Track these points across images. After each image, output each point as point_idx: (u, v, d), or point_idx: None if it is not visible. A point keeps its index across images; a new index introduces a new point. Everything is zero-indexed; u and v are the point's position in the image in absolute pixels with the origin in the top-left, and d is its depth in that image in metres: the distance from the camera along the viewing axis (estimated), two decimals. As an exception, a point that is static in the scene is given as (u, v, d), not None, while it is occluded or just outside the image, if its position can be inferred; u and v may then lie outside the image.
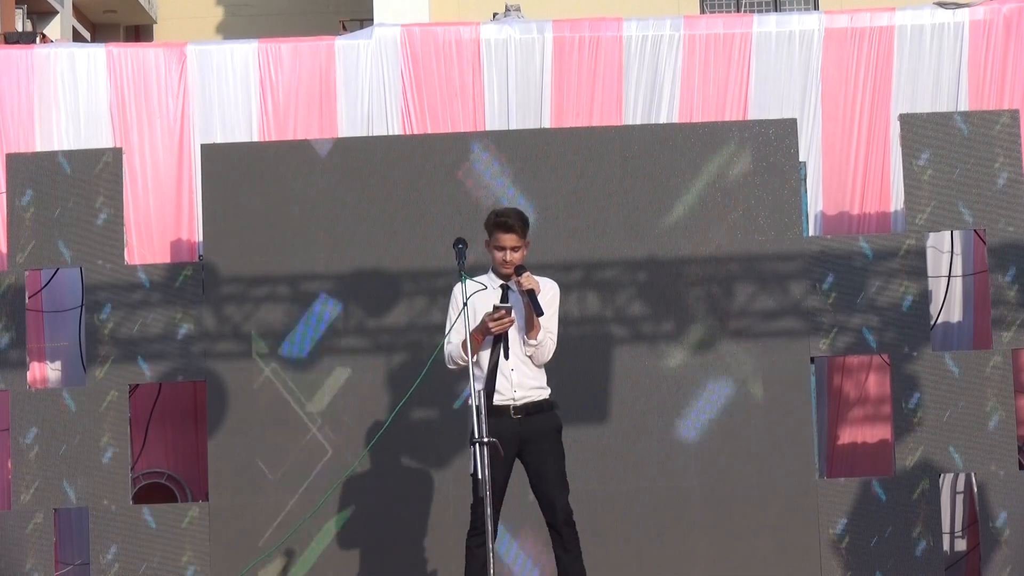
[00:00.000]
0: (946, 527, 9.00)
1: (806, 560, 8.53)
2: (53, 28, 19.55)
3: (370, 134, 9.44)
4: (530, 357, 7.03)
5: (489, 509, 6.78)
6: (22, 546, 8.69)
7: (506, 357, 6.99)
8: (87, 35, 21.48)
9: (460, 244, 7.45)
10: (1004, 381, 8.60)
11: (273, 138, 9.44)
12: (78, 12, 21.25)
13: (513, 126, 9.43)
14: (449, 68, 9.53)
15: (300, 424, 8.71)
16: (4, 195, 9.06)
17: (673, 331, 8.68)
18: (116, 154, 8.97)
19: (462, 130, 9.33)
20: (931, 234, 8.98)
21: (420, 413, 8.60)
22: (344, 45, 9.62)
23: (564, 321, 7.56)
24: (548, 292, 7.07)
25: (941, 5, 9.51)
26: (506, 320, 6.89)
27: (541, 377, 7.11)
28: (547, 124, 9.45)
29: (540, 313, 6.86)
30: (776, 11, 15.96)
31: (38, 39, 10.05)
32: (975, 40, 9.42)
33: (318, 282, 8.75)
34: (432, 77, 9.53)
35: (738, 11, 16.37)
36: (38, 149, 9.35)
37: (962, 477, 9.09)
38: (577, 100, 9.53)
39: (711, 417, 8.63)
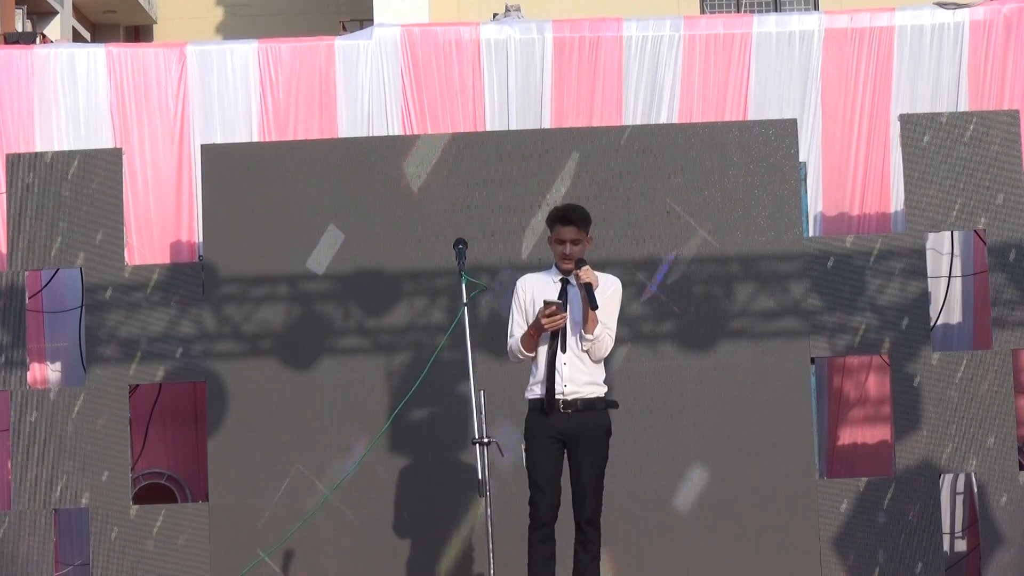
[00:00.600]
0: (946, 527, 9.00)
1: (806, 560, 8.53)
2: (53, 28, 19.55)
3: (370, 134, 9.44)
4: (587, 352, 7.00)
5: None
6: (22, 546, 8.69)
7: (563, 350, 6.97)
8: (87, 35, 21.49)
9: (460, 244, 7.46)
10: (1004, 381, 8.60)
11: (273, 138, 9.44)
12: (78, 12, 21.25)
13: (513, 126, 9.43)
14: (449, 68, 9.53)
15: (300, 424, 8.70)
16: (4, 195, 9.06)
17: (673, 331, 8.68)
18: (116, 154, 8.97)
19: (462, 130, 9.33)
20: (931, 236, 8.98)
21: (420, 413, 8.60)
22: (344, 45, 9.62)
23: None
24: (609, 288, 7.06)
25: (941, 5, 9.51)
26: (558, 317, 6.87)
27: (597, 374, 7.06)
28: (547, 124, 9.45)
29: (594, 307, 6.84)
30: (776, 11, 15.97)
31: (38, 39, 10.05)
32: (975, 40, 9.42)
33: (318, 282, 8.75)
34: (432, 77, 9.53)
35: (738, 11, 16.37)
36: (38, 149, 9.35)
37: (962, 477, 9.09)
38: (577, 100, 9.53)
39: (711, 417, 8.63)
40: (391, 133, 9.42)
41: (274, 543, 8.57)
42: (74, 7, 20.88)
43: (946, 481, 9.05)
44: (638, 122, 9.40)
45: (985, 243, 8.79)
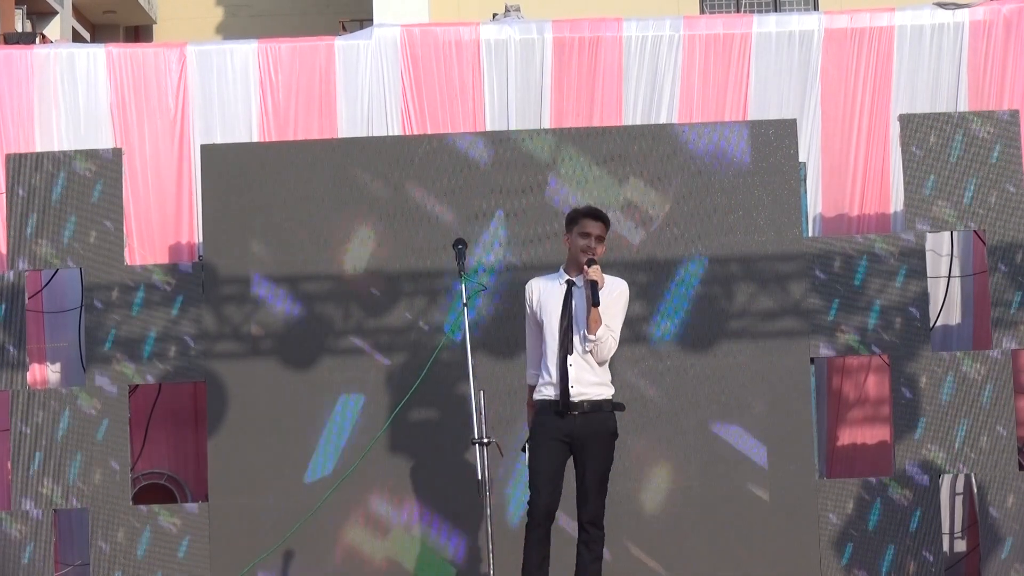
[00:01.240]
0: (946, 527, 9.00)
1: (806, 560, 8.53)
2: (53, 28, 19.54)
3: (370, 134, 9.44)
4: (590, 352, 7.04)
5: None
6: (22, 546, 8.69)
7: (570, 352, 7.03)
8: (87, 35, 21.48)
9: (460, 245, 7.47)
10: (1004, 381, 8.60)
11: (273, 138, 9.44)
12: (78, 12, 21.24)
13: (513, 126, 9.43)
14: (449, 68, 9.53)
15: (300, 424, 8.71)
16: (4, 195, 9.06)
17: (673, 331, 8.68)
18: (116, 154, 8.97)
19: (462, 130, 9.33)
20: (930, 236, 8.98)
21: (420, 413, 8.60)
22: (344, 45, 9.62)
23: (564, 321, 7.55)
24: (615, 290, 7.13)
25: (941, 5, 9.51)
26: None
27: (604, 375, 7.11)
28: (547, 124, 9.45)
29: (596, 303, 6.91)
30: (776, 11, 15.97)
31: (38, 39, 10.05)
32: (975, 40, 9.43)
33: (318, 282, 8.75)
34: (432, 77, 9.53)
35: (738, 11, 16.37)
36: (38, 149, 9.36)
37: (962, 478, 9.09)
38: (577, 100, 9.53)
39: (711, 417, 8.63)
40: (391, 133, 9.42)
41: (274, 543, 8.57)
42: (74, 7, 20.88)
43: (946, 481, 9.05)
44: (638, 122, 9.40)
45: (985, 243, 8.78)
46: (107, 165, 8.88)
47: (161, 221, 9.52)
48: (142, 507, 8.79)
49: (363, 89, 9.55)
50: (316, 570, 8.64)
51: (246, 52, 9.60)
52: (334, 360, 8.73)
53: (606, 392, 7.11)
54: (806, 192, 8.86)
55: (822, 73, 9.48)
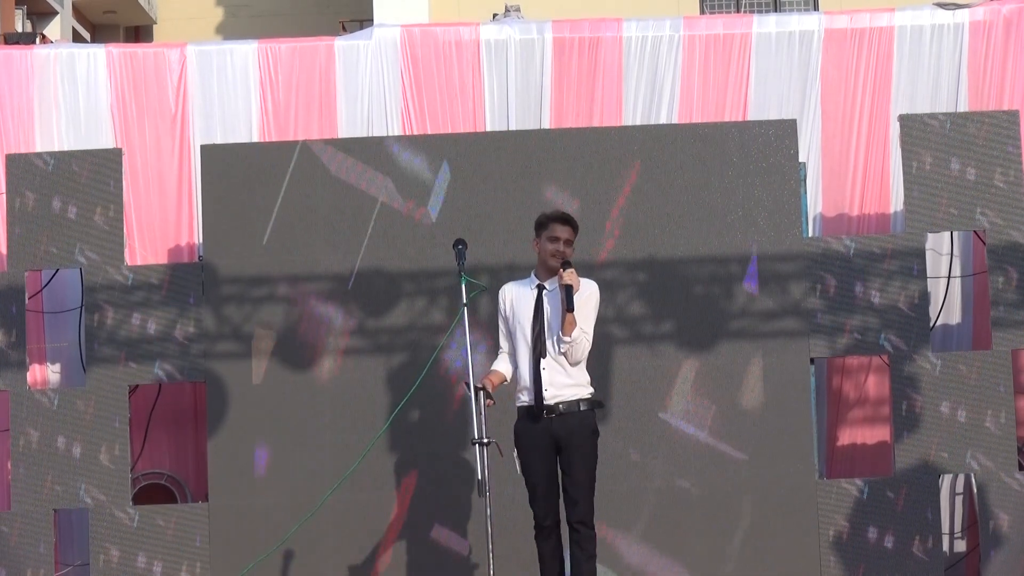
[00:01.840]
0: (946, 528, 9.00)
1: (806, 560, 8.53)
2: (53, 29, 19.54)
3: (370, 135, 9.44)
4: (564, 355, 7.08)
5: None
6: (22, 546, 8.69)
7: (543, 355, 7.08)
8: (87, 36, 21.48)
9: (460, 244, 7.47)
10: (1004, 381, 8.60)
11: (273, 138, 9.44)
12: (78, 13, 21.24)
13: (513, 126, 9.43)
14: (449, 68, 9.53)
15: (300, 424, 8.71)
16: (4, 195, 9.06)
17: (673, 331, 8.68)
18: (116, 154, 8.97)
19: (462, 130, 9.33)
20: (930, 236, 8.98)
21: (420, 413, 8.60)
22: (344, 45, 9.62)
23: (564, 321, 7.55)
24: (586, 291, 7.16)
25: (941, 5, 9.52)
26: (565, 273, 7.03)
27: (579, 376, 7.16)
28: (547, 124, 9.45)
29: (570, 309, 6.96)
30: (776, 11, 15.97)
31: (38, 39, 10.04)
32: (975, 40, 9.43)
33: (318, 282, 8.75)
34: (432, 77, 9.53)
35: (738, 11, 16.37)
36: (38, 149, 9.35)
37: (962, 478, 9.09)
38: (577, 100, 9.53)
39: (711, 417, 8.63)
40: (391, 133, 9.42)
41: (274, 543, 8.57)
42: (74, 7, 20.88)
43: (946, 481, 9.05)
44: (638, 122, 9.40)
45: (985, 243, 8.79)
46: (107, 165, 8.88)
47: (161, 221, 9.51)
48: (142, 507, 8.79)
49: (363, 89, 9.55)
50: (316, 570, 8.64)
51: (246, 52, 9.60)
52: (334, 360, 8.73)
53: (582, 392, 7.17)
54: (806, 192, 8.86)
55: (822, 73, 9.48)
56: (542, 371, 7.09)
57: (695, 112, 9.48)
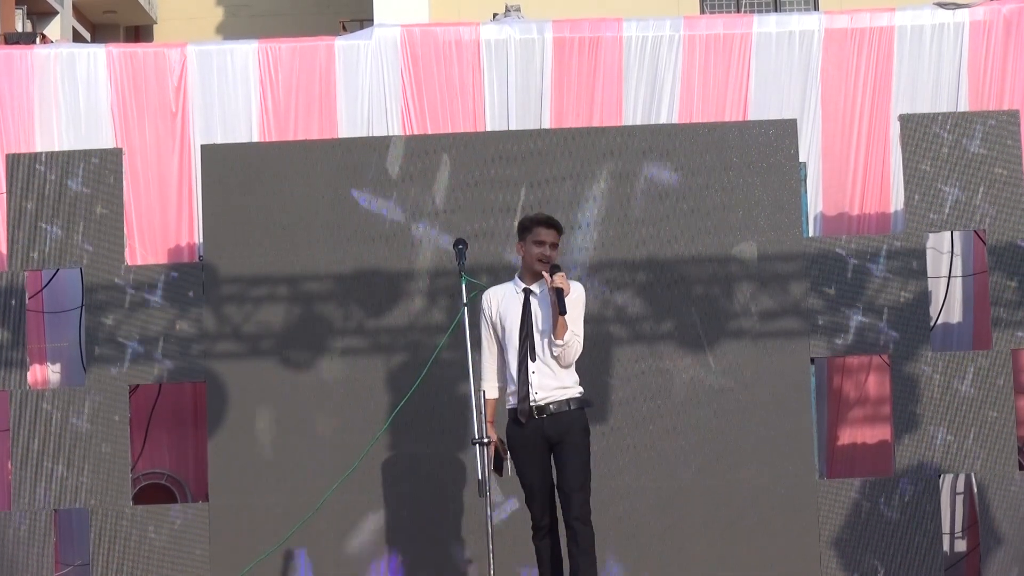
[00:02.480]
0: (946, 527, 9.00)
1: (806, 560, 8.53)
2: (53, 28, 19.53)
3: (370, 134, 9.44)
4: (556, 358, 7.12)
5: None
6: (22, 546, 8.69)
7: (531, 359, 7.11)
8: (87, 35, 21.47)
9: (460, 244, 7.47)
10: (1004, 381, 8.60)
11: (273, 138, 9.44)
12: (78, 12, 21.24)
13: (513, 126, 9.43)
14: (449, 68, 9.53)
15: (300, 424, 8.71)
16: (4, 195, 9.06)
17: (673, 331, 8.68)
18: (116, 154, 8.97)
19: (462, 130, 9.33)
20: (931, 235, 8.98)
21: (420, 413, 8.60)
22: (344, 45, 9.62)
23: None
24: (573, 293, 7.16)
25: (941, 5, 9.52)
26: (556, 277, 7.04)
27: (567, 377, 7.19)
28: (547, 124, 9.45)
29: (563, 312, 6.99)
30: (776, 11, 15.96)
31: (38, 39, 10.04)
32: (975, 40, 9.43)
33: (318, 282, 8.75)
34: (432, 77, 9.53)
35: (738, 11, 16.37)
36: (38, 149, 9.35)
37: (962, 477, 9.09)
38: (577, 100, 9.53)
39: (711, 417, 8.63)
40: (391, 133, 9.42)
41: (274, 543, 8.57)
42: (74, 7, 20.87)
43: (946, 481, 9.05)
44: (638, 122, 9.40)
45: (985, 243, 8.78)
46: (107, 165, 8.88)
47: (161, 221, 9.52)
48: (142, 507, 8.79)
49: (363, 89, 9.55)
50: (316, 570, 8.63)
51: (246, 52, 9.60)
52: (334, 360, 8.73)
53: (571, 392, 7.20)
54: (806, 192, 8.86)
55: (822, 73, 9.48)
56: (531, 374, 7.12)
57: (695, 112, 9.48)
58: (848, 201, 9.45)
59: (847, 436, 9.35)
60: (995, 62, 9.43)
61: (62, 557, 9.14)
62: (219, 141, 9.30)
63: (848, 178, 9.46)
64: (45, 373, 9.37)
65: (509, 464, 7.23)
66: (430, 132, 9.36)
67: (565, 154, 8.79)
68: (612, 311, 8.63)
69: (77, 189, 8.85)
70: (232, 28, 21.45)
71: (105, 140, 9.48)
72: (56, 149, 9.35)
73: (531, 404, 7.10)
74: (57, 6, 19.74)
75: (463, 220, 8.70)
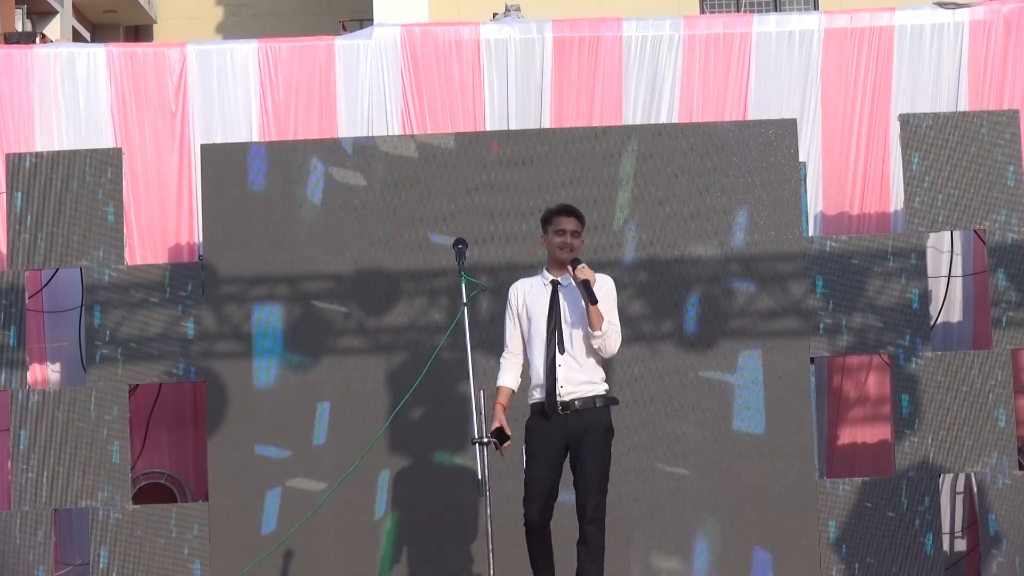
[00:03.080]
0: (946, 527, 9.00)
1: (806, 560, 8.53)
2: (53, 28, 19.53)
3: (370, 134, 9.44)
4: (598, 349, 7.00)
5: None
6: (22, 546, 8.69)
7: (560, 352, 7.02)
8: (87, 35, 21.47)
9: (460, 244, 7.46)
10: (1004, 381, 8.60)
11: (273, 138, 9.44)
12: (78, 12, 21.23)
13: (513, 126, 9.43)
14: (449, 68, 9.53)
15: (300, 424, 8.71)
16: (4, 195, 9.06)
17: (673, 331, 8.68)
18: (116, 154, 8.97)
19: (462, 130, 9.33)
20: (931, 234, 8.98)
21: (420, 413, 8.60)
22: (344, 45, 9.63)
23: (564, 321, 7.55)
24: (603, 286, 7.06)
25: (941, 5, 9.52)
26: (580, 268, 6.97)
27: (594, 373, 7.09)
28: (547, 124, 9.45)
29: (594, 301, 6.88)
30: (776, 11, 15.95)
31: (38, 39, 10.04)
32: (975, 40, 9.43)
33: (318, 282, 8.75)
34: (432, 77, 9.53)
35: (738, 11, 16.36)
36: (38, 149, 9.35)
37: (962, 477, 9.09)
38: (577, 100, 9.53)
39: (711, 417, 8.63)
40: (391, 133, 9.42)
41: (274, 543, 8.57)
42: (74, 7, 20.87)
43: (946, 481, 9.05)
44: (638, 122, 9.40)
45: (985, 243, 8.78)
46: (107, 165, 8.88)
47: (161, 221, 9.52)
48: (142, 507, 8.79)
49: (363, 89, 9.55)
50: (316, 570, 8.64)
51: (246, 52, 9.60)
52: (334, 360, 8.73)
53: (597, 389, 7.09)
54: (806, 192, 8.86)
55: (822, 73, 9.48)
56: (558, 368, 7.00)
57: (695, 112, 9.48)
58: (848, 201, 9.45)
59: (847, 436, 9.35)
60: (995, 62, 9.43)
61: (62, 557, 9.15)
62: (219, 141, 9.30)
63: (848, 178, 9.46)
64: (45, 373, 9.37)
65: (501, 452, 7.12)
66: (430, 132, 9.36)
67: (565, 154, 8.79)
68: (612, 311, 8.62)
69: (77, 189, 8.85)
70: (232, 28, 21.45)
71: (105, 140, 9.48)
72: (56, 149, 9.35)
73: (557, 399, 6.98)
74: (57, 6, 19.74)
75: (463, 220, 8.69)
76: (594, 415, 7.04)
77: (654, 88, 9.51)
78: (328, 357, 8.73)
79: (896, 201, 9.35)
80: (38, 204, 8.85)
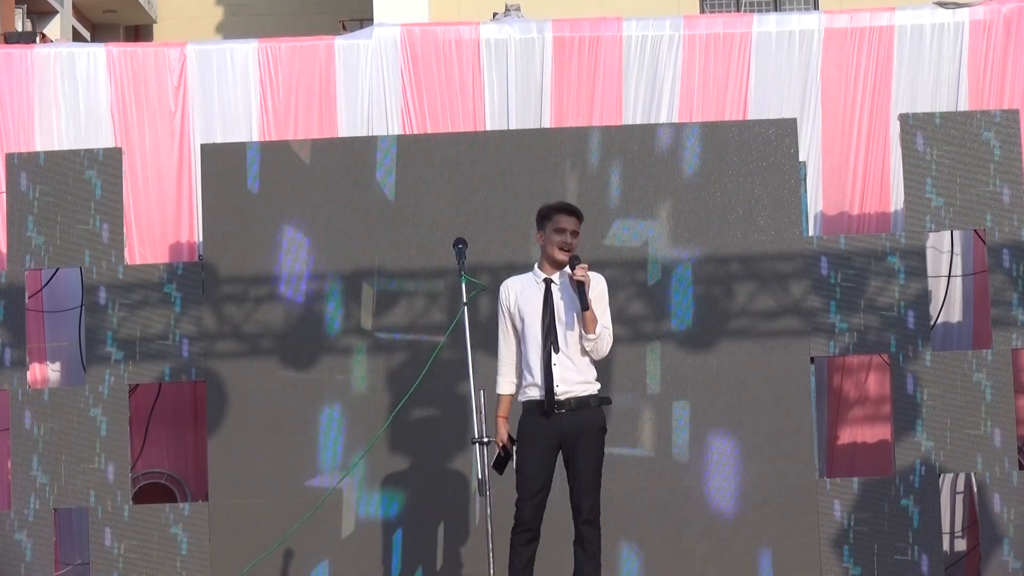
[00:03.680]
0: (946, 527, 9.00)
1: (806, 560, 8.53)
2: (53, 28, 19.54)
3: (370, 134, 9.44)
4: (590, 352, 7.01)
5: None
6: (22, 546, 8.69)
7: (555, 351, 7.00)
8: (87, 35, 21.48)
9: (460, 244, 7.46)
10: (1004, 381, 8.60)
11: (273, 138, 9.44)
12: (78, 12, 21.25)
13: (513, 126, 9.43)
14: (449, 68, 9.54)
15: (300, 424, 8.71)
16: (4, 195, 9.06)
17: (672, 331, 8.68)
18: (116, 154, 8.97)
19: (462, 130, 9.33)
20: (931, 234, 8.98)
21: (420, 413, 8.60)
22: (344, 45, 9.63)
23: (564, 321, 7.55)
24: (596, 286, 7.05)
25: (941, 5, 9.52)
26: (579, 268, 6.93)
27: (588, 372, 7.07)
28: (547, 124, 9.45)
29: (585, 307, 6.88)
30: (776, 11, 15.95)
31: (38, 39, 10.04)
32: (975, 40, 9.43)
33: (318, 282, 8.75)
34: (432, 77, 9.53)
35: (738, 11, 16.36)
36: (38, 149, 9.35)
37: (962, 477, 9.09)
38: (577, 100, 9.53)
39: (711, 417, 8.63)
40: (391, 133, 9.42)
41: (274, 543, 8.57)
42: (74, 7, 20.88)
43: (946, 481, 9.05)
44: (638, 122, 9.40)
45: (985, 243, 8.78)
46: (107, 165, 8.88)
47: (161, 221, 9.52)
48: (142, 507, 8.79)
49: (363, 89, 9.56)
50: (316, 570, 8.63)
51: (246, 51, 9.60)
52: (334, 360, 8.73)
53: (591, 388, 7.08)
54: (806, 192, 8.86)
55: (822, 73, 9.48)
56: (553, 367, 6.99)
57: (695, 111, 9.48)
58: (848, 201, 9.45)
59: (847, 436, 9.35)
60: (995, 62, 9.43)
61: (62, 557, 9.15)
62: (219, 140, 9.30)
63: (848, 178, 9.46)
64: (45, 373, 9.37)
65: (513, 463, 7.12)
66: (430, 131, 9.36)
67: (565, 154, 8.78)
68: (612, 311, 8.58)
69: (77, 189, 8.85)
70: (232, 27, 21.46)
71: (105, 139, 9.49)
72: (56, 148, 9.35)
73: (552, 398, 6.96)
74: (57, 6, 19.74)
75: (463, 220, 8.69)
76: (590, 415, 7.05)
77: (654, 88, 9.51)
78: (328, 357, 8.73)
79: (896, 201, 9.35)
80: (38, 203, 8.85)
